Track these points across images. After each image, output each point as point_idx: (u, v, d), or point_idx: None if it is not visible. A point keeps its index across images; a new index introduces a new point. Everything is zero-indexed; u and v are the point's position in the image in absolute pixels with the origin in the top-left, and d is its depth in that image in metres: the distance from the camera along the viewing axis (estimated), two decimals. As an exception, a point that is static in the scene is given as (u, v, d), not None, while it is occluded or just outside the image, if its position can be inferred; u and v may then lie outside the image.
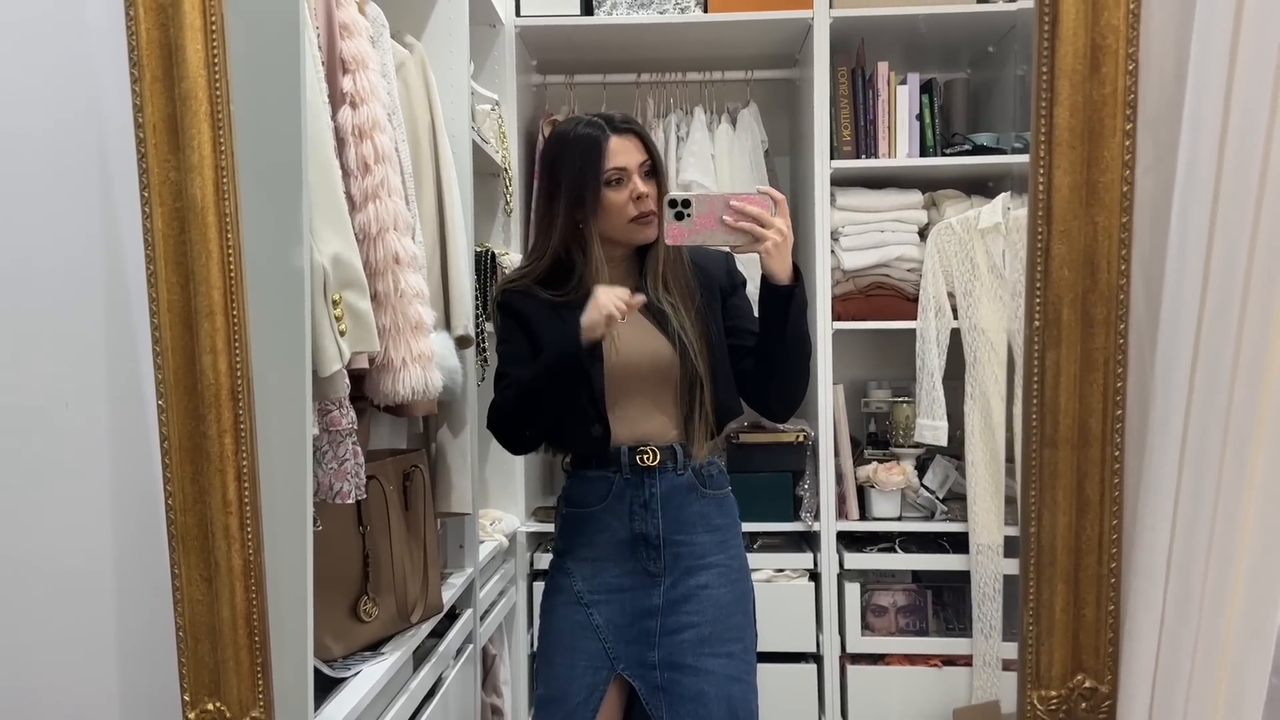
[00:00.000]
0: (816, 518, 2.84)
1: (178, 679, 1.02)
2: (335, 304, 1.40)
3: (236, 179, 0.99)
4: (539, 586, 2.87)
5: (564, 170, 1.77)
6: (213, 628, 1.00)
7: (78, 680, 1.08)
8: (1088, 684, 1.02)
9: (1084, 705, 1.02)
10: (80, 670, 1.07)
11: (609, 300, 1.64)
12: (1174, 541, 0.96)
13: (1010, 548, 2.75)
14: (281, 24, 1.18)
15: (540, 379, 1.73)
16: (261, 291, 1.13)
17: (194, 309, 0.98)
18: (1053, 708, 1.03)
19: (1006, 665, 2.74)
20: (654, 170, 1.78)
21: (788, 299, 1.68)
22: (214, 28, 0.95)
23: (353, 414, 1.55)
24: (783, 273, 1.67)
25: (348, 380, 1.50)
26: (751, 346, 1.81)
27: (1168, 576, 0.96)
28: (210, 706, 1.01)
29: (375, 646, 1.77)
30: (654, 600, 1.79)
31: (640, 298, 1.68)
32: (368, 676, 1.64)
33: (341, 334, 1.42)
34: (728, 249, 1.74)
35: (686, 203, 1.63)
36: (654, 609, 1.79)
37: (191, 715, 1.01)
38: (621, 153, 1.75)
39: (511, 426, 1.82)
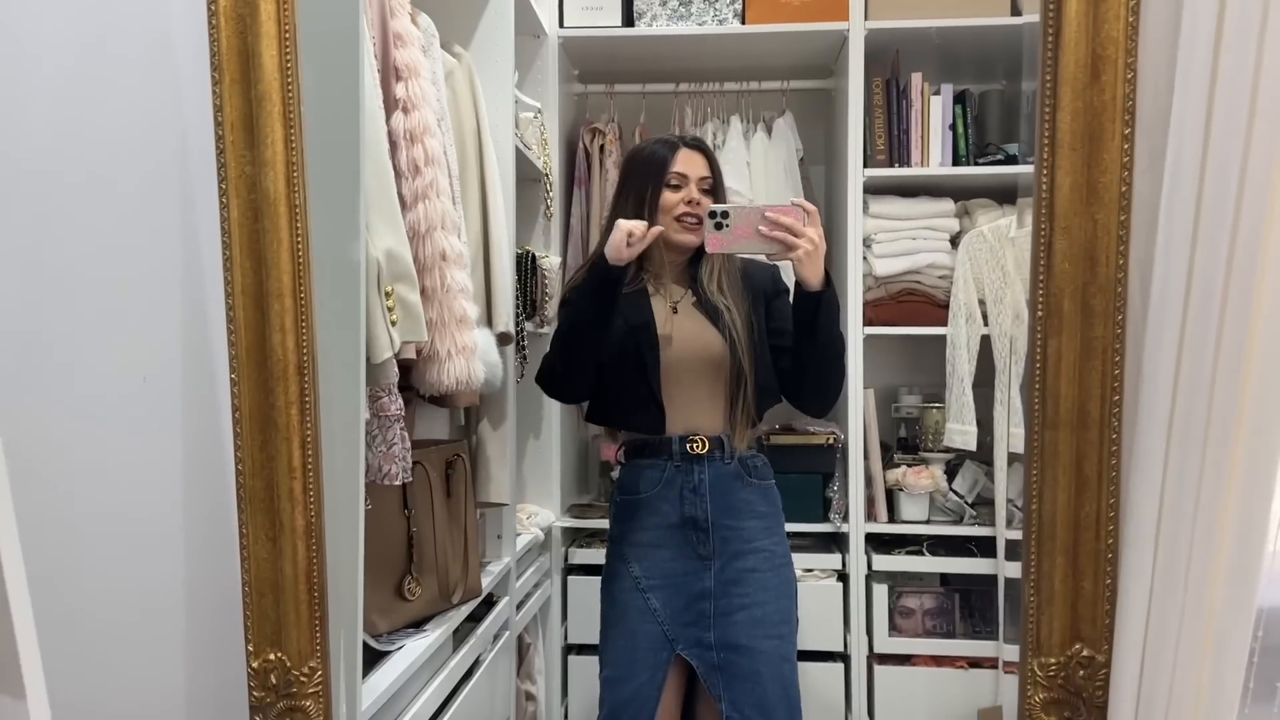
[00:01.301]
0: (845, 519, 2.89)
1: (241, 630, 1.11)
2: (388, 295, 1.49)
3: (306, 174, 1.09)
4: (573, 580, 2.98)
5: (634, 174, 1.96)
6: (275, 583, 1.10)
7: (146, 630, 1.17)
8: (1085, 652, 1.08)
9: (1081, 673, 1.08)
10: (149, 620, 1.16)
11: (622, 229, 1.78)
12: (1162, 515, 1.02)
13: (1011, 551, 2.77)
14: (343, 34, 1.28)
15: (584, 308, 1.88)
16: (322, 281, 1.22)
17: (265, 291, 1.08)
18: (1051, 674, 1.09)
19: (1007, 668, 2.75)
20: (712, 190, 1.95)
21: (817, 302, 1.79)
22: (287, 35, 1.05)
23: (400, 401, 1.64)
24: (814, 278, 1.78)
25: (396, 368, 1.60)
26: (789, 347, 1.92)
27: (1157, 548, 1.02)
28: (272, 656, 1.10)
29: (418, 624, 1.85)
30: (706, 583, 1.91)
31: (657, 229, 1.82)
32: (410, 651, 1.72)
33: (393, 324, 1.51)
34: (764, 257, 1.85)
35: (725, 214, 1.77)
36: (707, 591, 1.91)
37: (254, 664, 1.10)
38: (685, 163, 1.93)
39: (564, 361, 1.94)
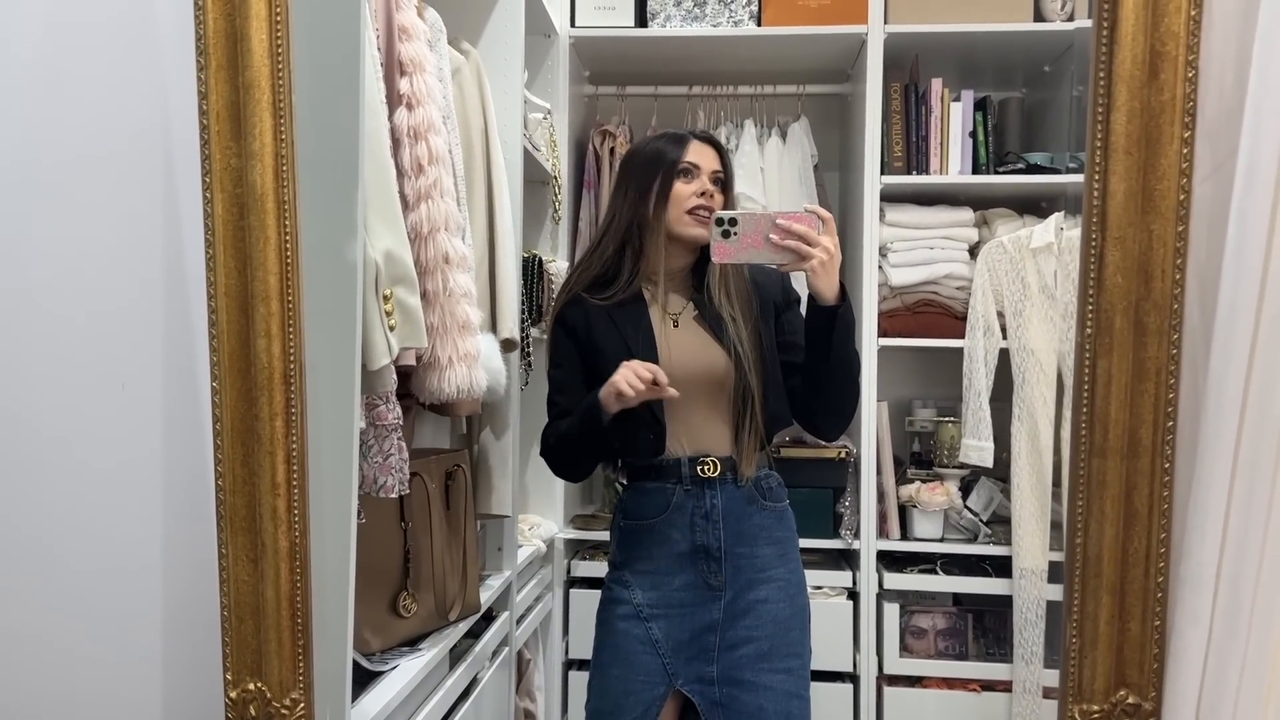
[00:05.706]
0: (856, 536, 2.82)
1: (220, 657, 1.03)
2: (386, 299, 1.42)
3: (296, 167, 1.01)
4: (575, 594, 2.91)
5: (640, 166, 1.84)
6: (257, 608, 1.01)
7: (121, 656, 1.10)
8: (1131, 699, 0.99)
9: (1127, 722, 1.00)
10: (124, 646, 1.09)
11: (622, 378, 1.67)
12: (1224, 554, 0.94)
13: (1054, 573, 2.70)
14: (342, 21, 1.20)
15: (574, 436, 1.80)
16: (315, 283, 1.15)
17: (250, 293, 1.00)
18: (1095, 722, 1.01)
19: (1047, 693, 2.68)
20: (724, 185, 1.83)
21: (832, 318, 1.68)
22: (279, 18, 0.98)
23: (398, 410, 1.56)
24: (829, 292, 1.66)
25: (395, 376, 1.52)
26: (801, 363, 1.81)
27: (1216, 590, 0.94)
28: (251, 686, 1.02)
29: (413, 643, 1.78)
30: (714, 614, 1.78)
31: (672, 392, 1.69)
32: (405, 671, 1.65)
33: (391, 329, 1.44)
34: (774, 267, 1.73)
35: (733, 221, 1.64)
36: (714, 623, 1.78)
37: (233, 694, 1.03)
38: (697, 153, 1.81)
39: (558, 464, 1.91)
